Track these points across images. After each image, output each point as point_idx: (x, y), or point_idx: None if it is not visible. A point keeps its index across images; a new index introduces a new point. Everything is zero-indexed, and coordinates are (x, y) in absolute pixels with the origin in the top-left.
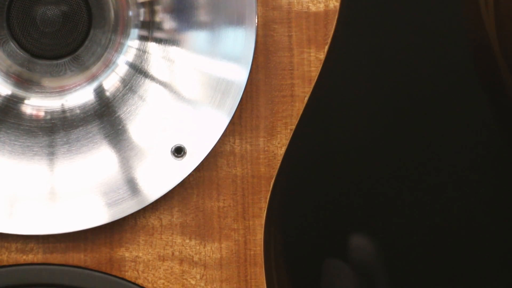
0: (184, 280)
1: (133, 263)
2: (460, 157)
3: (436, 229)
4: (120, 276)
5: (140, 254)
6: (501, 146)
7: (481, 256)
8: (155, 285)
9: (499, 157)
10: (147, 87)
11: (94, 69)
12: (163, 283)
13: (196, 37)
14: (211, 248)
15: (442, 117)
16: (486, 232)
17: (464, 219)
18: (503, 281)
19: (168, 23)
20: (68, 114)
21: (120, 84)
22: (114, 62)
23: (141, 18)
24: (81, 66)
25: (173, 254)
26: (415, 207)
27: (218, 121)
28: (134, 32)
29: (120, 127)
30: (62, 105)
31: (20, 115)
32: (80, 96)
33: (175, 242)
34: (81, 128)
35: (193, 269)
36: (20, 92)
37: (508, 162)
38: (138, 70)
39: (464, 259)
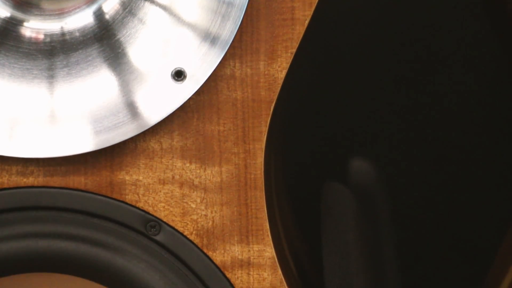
0: (184, 204)
1: (133, 187)
2: (463, 78)
3: (438, 153)
4: (121, 199)
5: (141, 178)
6: (501, 61)
7: (483, 180)
8: (155, 209)
9: (498, 71)
10: (147, 10)
11: None
12: (164, 207)
13: None
14: (211, 172)
15: (443, 40)
16: (489, 155)
17: (467, 143)
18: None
19: None
20: (67, 37)
21: (119, 7)
22: None
23: None
24: None
25: (173, 177)
26: (417, 130)
27: (218, 44)
28: None
29: (120, 50)
30: (62, 28)
31: (19, 38)
32: (79, 19)
33: (175, 165)
34: (80, 51)
35: (193, 192)
36: (19, 15)
37: (507, 80)
38: None
39: (466, 183)
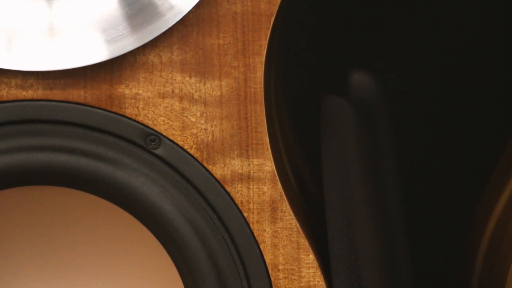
0: (184, 118)
1: (133, 100)
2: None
3: (439, 65)
4: (120, 113)
5: (140, 91)
6: None
7: (484, 93)
8: (155, 122)
9: None
10: None
11: None
12: (163, 120)
13: None
14: (211, 86)
15: None
16: (489, 70)
17: (467, 56)
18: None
19: None
20: None
21: None
22: None
23: None
24: None
25: (173, 91)
26: (418, 42)
27: None
28: None
29: None
30: None
31: None
32: None
33: (175, 79)
34: None
35: (193, 106)
36: None
37: None
38: None
39: (467, 96)
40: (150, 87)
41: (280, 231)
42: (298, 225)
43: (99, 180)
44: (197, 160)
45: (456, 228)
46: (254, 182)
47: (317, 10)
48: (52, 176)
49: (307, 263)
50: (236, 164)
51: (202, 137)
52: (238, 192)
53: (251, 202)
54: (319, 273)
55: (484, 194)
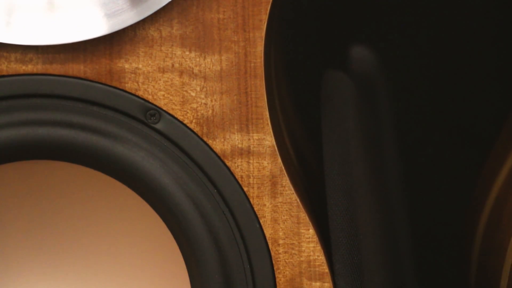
0: (184, 92)
1: (133, 75)
2: None
3: (440, 39)
4: (120, 87)
5: (140, 66)
6: None
7: (485, 65)
8: (155, 97)
9: None
10: None
11: None
12: (163, 95)
13: None
14: (211, 60)
15: None
16: (490, 45)
17: (468, 32)
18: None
19: None
20: None
21: None
22: None
23: None
24: None
25: (173, 66)
26: (420, 16)
27: None
28: None
29: None
30: None
31: None
32: None
33: (175, 54)
34: None
35: (193, 81)
36: None
37: None
38: None
39: (468, 68)
40: (150, 62)
41: (280, 206)
42: (298, 200)
43: (98, 155)
44: (197, 134)
45: (456, 202)
46: (254, 156)
47: None
48: (52, 151)
49: (307, 238)
50: (236, 139)
51: (202, 111)
52: (238, 166)
53: (251, 177)
54: (319, 247)
55: (484, 168)
